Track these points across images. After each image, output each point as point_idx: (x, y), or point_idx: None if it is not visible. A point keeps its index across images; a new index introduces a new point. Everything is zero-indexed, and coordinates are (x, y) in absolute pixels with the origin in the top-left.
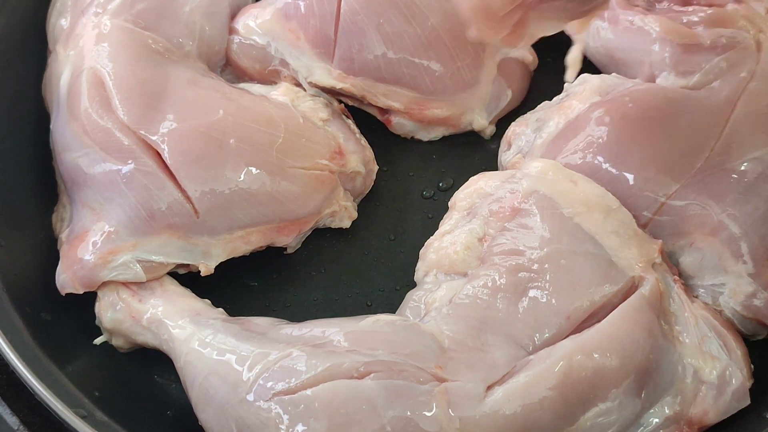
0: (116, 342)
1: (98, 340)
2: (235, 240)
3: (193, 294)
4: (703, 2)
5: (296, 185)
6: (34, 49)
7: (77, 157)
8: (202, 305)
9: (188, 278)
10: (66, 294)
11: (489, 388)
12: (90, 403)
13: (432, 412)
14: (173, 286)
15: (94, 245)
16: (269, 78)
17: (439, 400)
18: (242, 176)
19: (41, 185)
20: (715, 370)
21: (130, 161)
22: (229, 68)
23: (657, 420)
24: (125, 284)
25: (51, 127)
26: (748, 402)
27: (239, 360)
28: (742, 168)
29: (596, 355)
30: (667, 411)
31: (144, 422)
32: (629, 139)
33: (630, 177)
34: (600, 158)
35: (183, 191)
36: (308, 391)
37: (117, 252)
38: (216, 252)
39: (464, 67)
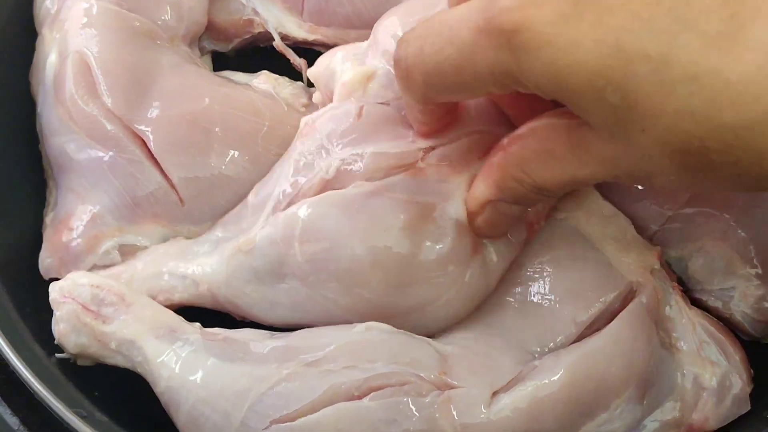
0: (82, 363)
1: (60, 356)
2: None
3: (159, 305)
4: None
5: None
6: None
7: (64, 142)
8: (174, 318)
9: None
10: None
11: (494, 394)
12: (90, 403)
13: (436, 425)
14: (137, 298)
15: (78, 231)
16: (244, 29)
17: (442, 410)
18: (227, 164)
19: (40, 183)
20: (716, 377)
21: (115, 148)
22: (205, 34)
23: (657, 426)
24: (85, 307)
25: (38, 110)
26: (748, 408)
27: (229, 384)
28: None
29: (599, 364)
30: (667, 417)
31: (144, 422)
32: None
33: (638, 190)
34: None
35: (168, 179)
36: (309, 418)
37: (102, 237)
38: None
39: None
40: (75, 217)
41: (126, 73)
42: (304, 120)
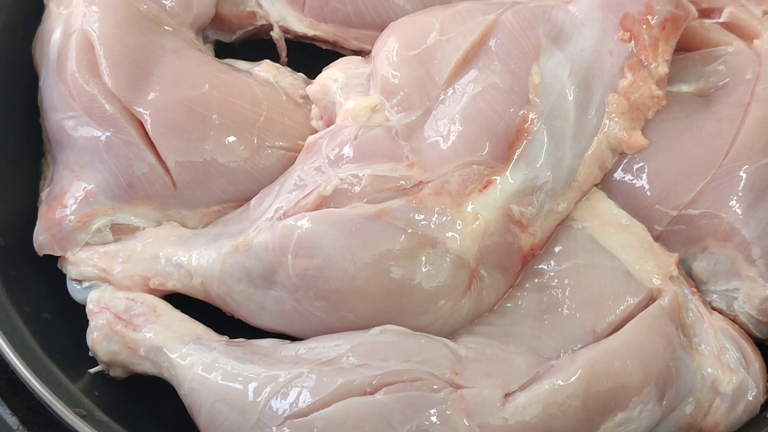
0: (114, 373)
1: (94, 370)
2: (211, 214)
3: (190, 318)
4: (704, 4)
5: (274, 164)
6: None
7: (63, 118)
8: (202, 328)
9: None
10: (44, 255)
11: (509, 395)
12: (90, 402)
13: (448, 421)
14: (168, 311)
15: (72, 207)
16: (247, 20)
17: (455, 408)
18: (222, 152)
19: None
20: (732, 384)
21: (112, 129)
22: (209, 24)
23: (670, 428)
24: (116, 315)
25: (40, 84)
26: (757, 414)
27: (246, 384)
28: (756, 173)
29: (616, 363)
30: (681, 419)
31: (144, 422)
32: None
33: (643, 190)
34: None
35: (162, 163)
36: (320, 413)
37: (94, 215)
38: (191, 224)
39: (432, 5)
40: (69, 194)
41: (128, 55)
42: (309, 138)
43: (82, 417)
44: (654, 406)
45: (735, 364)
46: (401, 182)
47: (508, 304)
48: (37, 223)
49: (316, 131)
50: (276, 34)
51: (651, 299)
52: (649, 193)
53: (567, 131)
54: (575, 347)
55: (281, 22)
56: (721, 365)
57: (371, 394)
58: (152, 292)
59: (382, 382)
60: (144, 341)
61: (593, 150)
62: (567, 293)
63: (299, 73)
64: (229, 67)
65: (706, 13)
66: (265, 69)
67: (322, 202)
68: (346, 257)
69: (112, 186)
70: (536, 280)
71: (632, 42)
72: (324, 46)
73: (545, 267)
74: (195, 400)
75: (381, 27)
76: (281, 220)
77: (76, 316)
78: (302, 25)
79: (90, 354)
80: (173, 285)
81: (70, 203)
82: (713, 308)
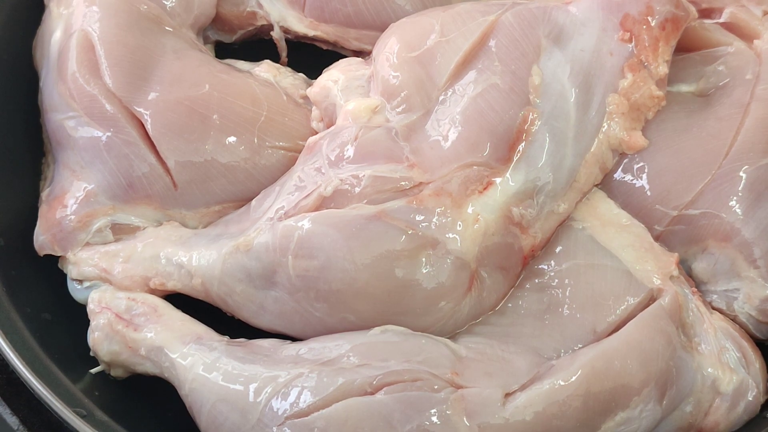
0: (115, 373)
1: (95, 370)
2: (211, 214)
3: (191, 318)
4: (704, 5)
5: (274, 165)
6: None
7: (63, 119)
8: (202, 329)
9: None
10: (44, 255)
11: (509, 395)
12: (90, 402)
13: (449, 421)
14: (169, 311)
15: (72, 208)
16: (247, 21)
17: (455, 407)
18: (223, 152)
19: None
20: (732, 384)
21: (113, 129)
22: (209, 24)
23: (670, 428)
24: (117, 315)
25: (40, 84)
26: (757, 414)
27: (247, 384)
28: (756, 173)
29: (617, 362)
30: (681, 419)
31: (144, 422)
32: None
33: (643, 190)
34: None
35: (163, 163)
36: (321, 413)
37: (95, 215)
38: (192, 224)
39: (432, 5)
40: (69, 195)
41: (129, 55)
42: (309, 139)
43: (82, 417)
44: (654, 405)
45: (735, 364)
46: (402, 183)
47: (509, 304)
48: (38, 223)
49: (317, 132)
50: (276, 34)
51: (651, 299)
52: (649, 193)
53: (568, 132)
54: (576, 347)
55: (282, 22)
56: (722, 365)
57: (372, 394)
58: (153, 292)
59: (382, 382)
60: (145, 341)
61: (594, 150)
62: (567, 293)
63: (300, 74)
64: (229, 67)
65: (706, 13)
66: (266, 69)
67: (323, 203)
68: (347, 258)
69: (113, 186)
70: (537, 280)
71: (632, 42)
72: (324, 47)
73: (546, 267)
74: (196, 400)
75: (381, 27)
76: (282, 220)
77: (77, 316)
78: (303, 26)
79: (91, 354)
80: (174, 285)
81: (70, 203)
82: (713, 308)
